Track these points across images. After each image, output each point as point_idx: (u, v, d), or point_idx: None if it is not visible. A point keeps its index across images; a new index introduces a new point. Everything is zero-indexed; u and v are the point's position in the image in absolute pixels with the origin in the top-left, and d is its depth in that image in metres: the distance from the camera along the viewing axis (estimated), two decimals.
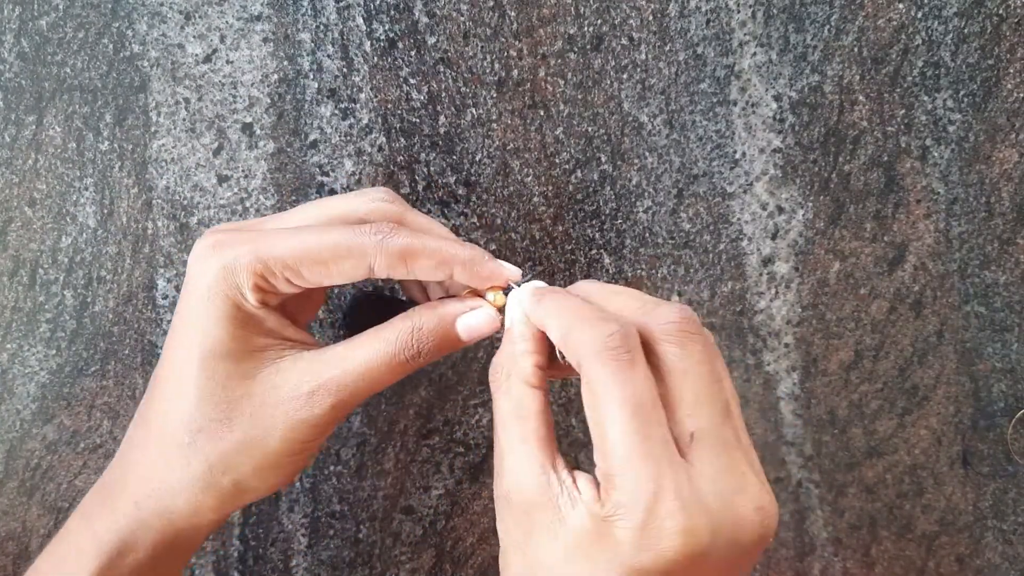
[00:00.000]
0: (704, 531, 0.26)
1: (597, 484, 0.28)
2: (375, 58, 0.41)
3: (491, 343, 0.45)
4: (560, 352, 0.31)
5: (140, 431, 0.34)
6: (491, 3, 0.41)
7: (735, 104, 0.43)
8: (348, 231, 0.32)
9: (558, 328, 0.30)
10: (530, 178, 0.43)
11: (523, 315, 0.32)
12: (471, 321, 0.34)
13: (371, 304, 0.40)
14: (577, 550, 0.28)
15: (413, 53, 0.41)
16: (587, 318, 0.29)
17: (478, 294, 0.35)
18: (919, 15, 0.43)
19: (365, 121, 0.42)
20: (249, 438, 0.32)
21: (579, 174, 0.43)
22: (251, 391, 0.32)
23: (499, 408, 0.31)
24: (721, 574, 0.28)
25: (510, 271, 0.34)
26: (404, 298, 0.41)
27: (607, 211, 0.44)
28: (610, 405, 0.27)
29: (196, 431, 0.33)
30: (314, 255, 0.31)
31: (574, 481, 0.29)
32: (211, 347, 0.32)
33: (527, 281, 0.34)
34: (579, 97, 0.42)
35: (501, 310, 0.34)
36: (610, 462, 0.27)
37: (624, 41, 0.42)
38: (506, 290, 0.34)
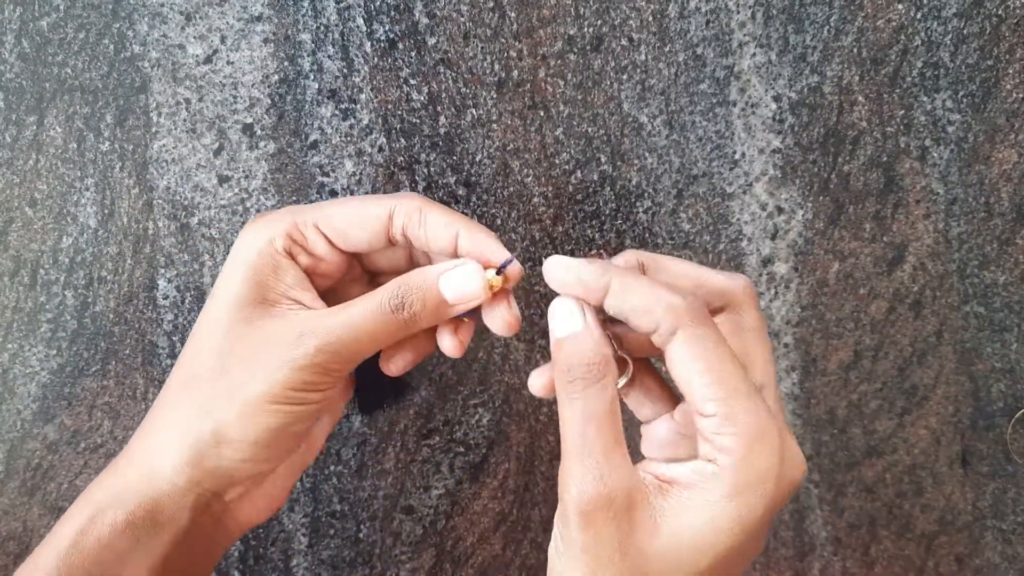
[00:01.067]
0: (803, 458, 0.30)
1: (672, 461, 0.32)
2: (375, 59, 0.41)
3: (491, 344, 0.45)
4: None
5: (159, 394, 0.35)
6: (491, 4, 0.41)
7: (735, 105, 0.43)
8: (378, 195, 0.36)
9: (645, 299, 0.31)
10: (530, 178, 0.43)
11: (594, 319, 0.32)
12: (455, 278, 0.33)
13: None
14: (703, 517, 0.29)
15: (413, 54, 0.41)
16: (671, 290, 0.31)
17: None
18: (918, 16, 0.43)
19: (365, 122, 0.42)
20: (234, 381, 0.33)
21: (579, 174, 0.43)
22: (247, 337, 0.33)
23: (594, 406, 0.30)
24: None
25: (504, 256, 0.34)
26: None
27: (607, 211, 0.44)
28: (725, 357, 0.30)
29: (192, 377, 0.33)
30: (342, 206, 0.35)
31: (653, 475, 0.31)
32: (228, 294, 0.33)
33: (509, 263, 0.34)
34: (579, 98, 0.43)
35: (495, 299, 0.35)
36: (736, 405, 0.29)
37: (624, 42, 0.42)
38: (499, 270, 0.34)
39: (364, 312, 0.33)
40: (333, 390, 0.34)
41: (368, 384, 0.44)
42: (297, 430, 0.34)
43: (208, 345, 0.33)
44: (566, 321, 0.32)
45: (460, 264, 0.34)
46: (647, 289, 0.31)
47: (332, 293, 0.37)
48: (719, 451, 0.29)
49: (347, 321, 0.33)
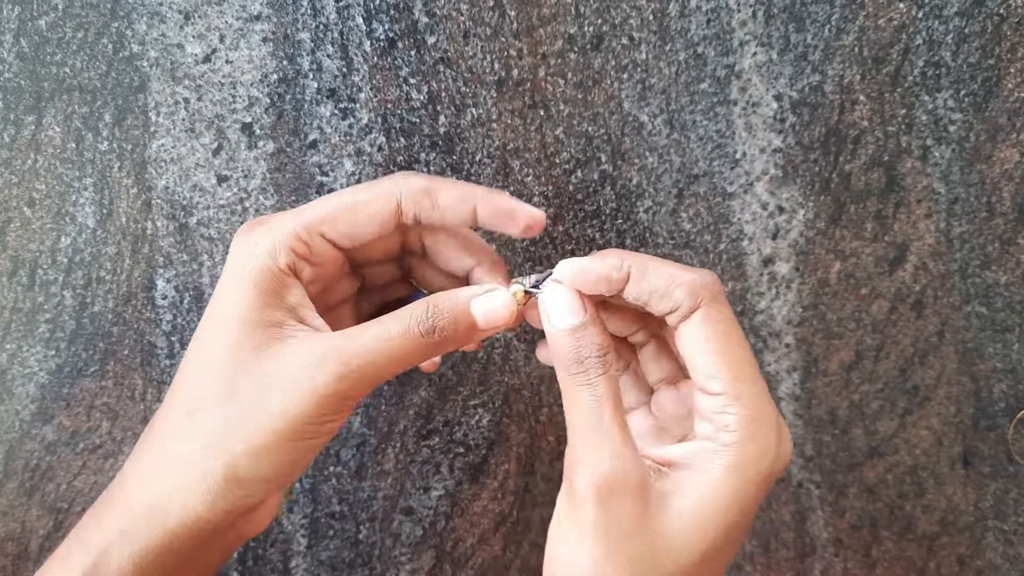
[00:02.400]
0: (791, 442, 0.32)
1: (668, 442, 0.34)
2: (375, 58, 0.41)
3: (491, 345, 0.45)
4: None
5: (154, 417, 0.33)
6: (491, 2, 0.41)
7: (735, 104, 0.43)
8: (372, 183, 0.34)
9: (663, 276, 0.32)
10: (530, 178, 0.43)
11: (592, 308, 0.33)
12: (487, 303, 0.33)
13: None
14: (705, 495, 0.30)
15: (413, 53, 0.41)
16: (686, 268, 0.32)
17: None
18: (920, 15, 0.43)
19: (365, 121, 0.42)
20: (246, 412, 0.30)
21: (579, 174, 0.43)
22: (257, 363, 0.31)
23: (600, 392, 0.31)
24: None
25: (532, 211, 0.34)
26: None
27: (607, 211, 0.44)
28: (735, 339, 0.31)
29: (196, 404, 0.31)
30: (346, 204, 0.33)
31: (649, 458, 0.32)
32: (229, 314, 0.31)
33: (544, 279, 0.34)
34: (579, 97, 0.42)
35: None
36: (741, 387, 0.31)
37: (624, 41, 0.42)
38: (528, 290, 0.34)
39: (390, 336, 0.31)
40: (348, 415, 0.33)
41: None
42: (311, 459, 0.33)
43: (213, 371, 0.31)
44: (567, 312, 0.32)
45: (491, 290, 0.33)
46: (667, 270, 0.32)
47: (319, 296, 0.36)
48: (720, 429, 0.31)
49: (371, 345, 0.31)
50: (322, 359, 0.30)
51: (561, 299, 0.32)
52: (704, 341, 0.31)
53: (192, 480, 0.31)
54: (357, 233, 0.33)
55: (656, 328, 0.37)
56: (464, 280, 0.37)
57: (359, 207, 0.33)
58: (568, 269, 0.32)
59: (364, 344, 0.31)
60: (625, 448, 0.31)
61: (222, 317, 0.32)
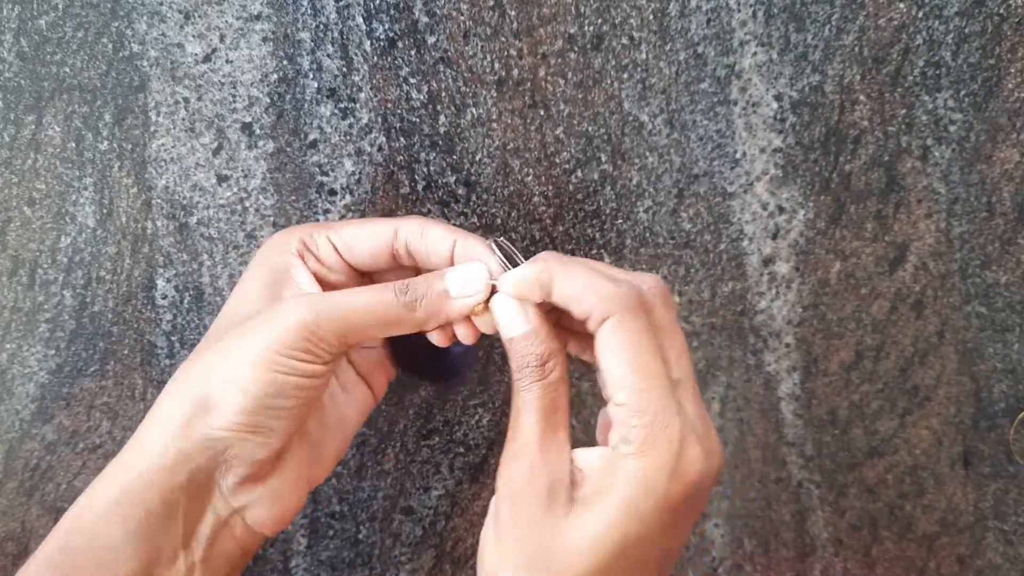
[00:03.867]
0: (711, 457, 0.31)
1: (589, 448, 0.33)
2: (375, 57, 0.41)
3: (491, 344, 0.45)
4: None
5: None
6: (491, 2, 0.41)
7: (736, 104, 0.43)
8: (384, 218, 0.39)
9: (582, 284, 0.32)
10: (530, 178, 0.43)
11: (537, 315, 0.34)
12: (458, 270, 0.34)
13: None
14: (602, 505, 0.30)
15: (413, 52, 0.41)
16: (609, 276, 0.32)
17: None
18: (920, 14, 0.43)
19: (365, 121, 0.42)
20: (225, 346, 0.33)
21: (579, 174, 0.43)
22: (248, 316, 0.34)
23: (539, 396, 0.32)
24: (701, 503, 0.32)
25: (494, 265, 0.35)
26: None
27: (607, 211, 0.44)
28: (645, 350, 0.31)
29: (194, 353, 0.35)
30: (354, 222, 0.38)
31: (575, 463, 0.32)
32: (241, 290, 0.36)
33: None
34: (579, 97, 0.42)
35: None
36: (645, 398, 0.30)
37: (624, 40, 0.42)
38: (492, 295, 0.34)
39: (366, 289, 0.34)
40: (324, 369, 0.33)
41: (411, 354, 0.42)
42: (284, 404, 0.33)
43: (213, 330, 0.35)
44: (513, 321, 0.33)
45: (464, 263, 0.35)
46: (582, 278, 0.32)
47: None
48: (622, 440, 0.31)
49: (342, 297, 0.34)
50: (295, 301, 0.33)
51: (505, 310, 0.34)
52: (611, 350, 0.31)
53: (172, 411, 0.33)
54: (355, 247, 0.36)
55: None
56: None
57: (364, 224, 0.37)
58: (506, 281, 0.34)
59: (336, 296, 0.34)
60: (541, 453, 0.32)
61: (237, 292, 0.36)
